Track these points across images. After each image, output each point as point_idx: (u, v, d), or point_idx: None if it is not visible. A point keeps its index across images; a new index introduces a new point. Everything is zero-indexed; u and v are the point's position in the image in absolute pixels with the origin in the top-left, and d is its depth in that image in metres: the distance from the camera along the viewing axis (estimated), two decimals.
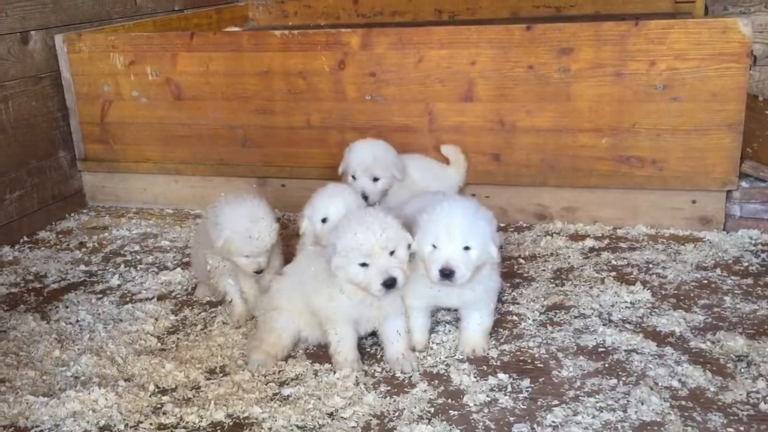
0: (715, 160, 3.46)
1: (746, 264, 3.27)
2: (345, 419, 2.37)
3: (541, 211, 3.79)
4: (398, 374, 2.61)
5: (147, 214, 4.32)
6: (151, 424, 2.40)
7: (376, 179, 3.40)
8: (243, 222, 2.84)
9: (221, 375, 2.66)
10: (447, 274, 2.47)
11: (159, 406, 2.49)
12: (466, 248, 2.49)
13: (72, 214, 4.36)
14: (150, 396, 2.54)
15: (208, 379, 2.64)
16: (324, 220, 2.91)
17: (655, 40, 3.36)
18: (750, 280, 3.13)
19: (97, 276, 3.53)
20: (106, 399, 2.50)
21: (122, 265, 3.62)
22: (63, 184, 4.34)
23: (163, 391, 2.57)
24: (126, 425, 2.39)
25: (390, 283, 2.46)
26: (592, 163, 3.63)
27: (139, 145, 4.27)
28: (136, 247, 3.85)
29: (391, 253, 2.49)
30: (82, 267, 3.63)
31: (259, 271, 2.94)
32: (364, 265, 2.47)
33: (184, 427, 2.37)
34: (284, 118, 3.97)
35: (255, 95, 3.98)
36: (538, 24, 3.50)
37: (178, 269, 3.54)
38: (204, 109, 4.09)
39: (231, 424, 2.38)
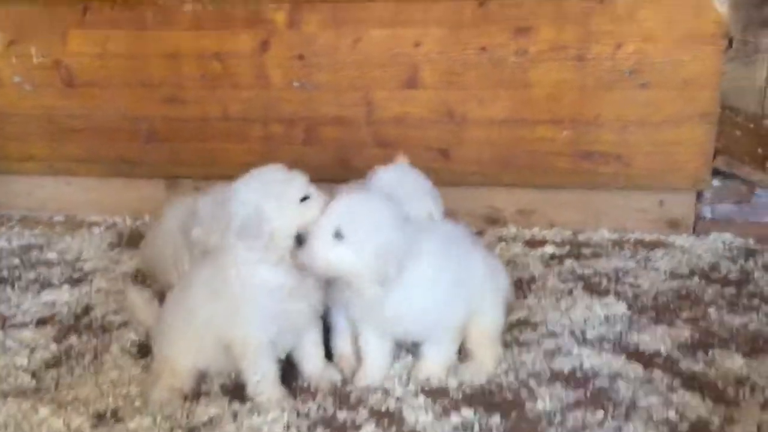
0: (686, 155, 3.16)
1: (725, 271, 2.95)
2: None
3: (494, 214, 3.41)
4: (322, 387, 2.25)
5: (32, 223, 3.73)
6: None
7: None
8: None
9: (113, 421, 2.16)
10: None
11: None
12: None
13: None
14: None
15: (95, 426, 2.13)
16: None
17: (622, 19, 3.03)
18: (732, 290, 2.80)
19: None
20: None
21: None
22: None
23: None
24: None
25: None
26: (551, 160, 3.27)
27: (22, 140, 3.72)
28: (16, 261, 3.27)
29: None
30: None
31: None
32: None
33: None
34: (197, 109, 3.50)
35: (161, 81, 3.49)
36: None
37: (66, 287, 2.99)
38: (100, 98, 3.58)
39: None
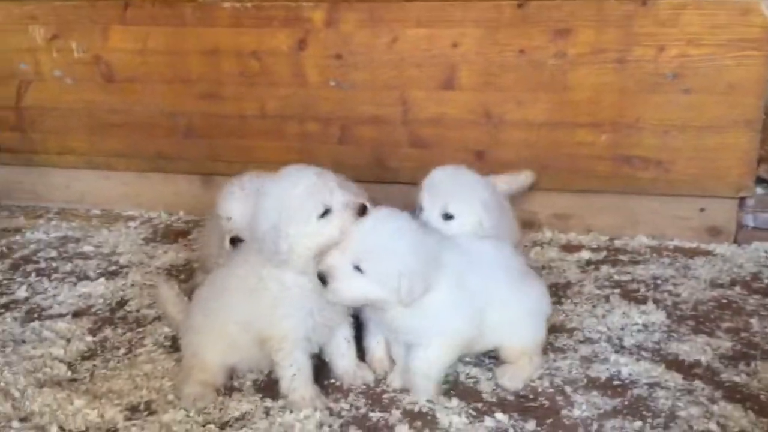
0: (729, 161, 3.06)
1: (767, 281, 2.86)
2: None
3: (530, 217, 3.34)
4: (355, 386, 2.25)
5: (70, 215, 3.77)
6: None
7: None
8: None
9: (146, 413, 2.16)
10: None
11: None
12: None
13: None
14: None
15: (129, 419, 2.14)
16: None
17: (665, 22, 2.95)
18: None
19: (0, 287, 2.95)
20: None
21: (33, 274, 3.08)
22: None
23: None
24: None
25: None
26: (590, 163, 3.20)
27: (63, 134, 3.75)
28: (53, 253, 3.31)
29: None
30: None
31: None
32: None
33: None
34: (234, 106, 3.49)
35: (200, 78, 3.48)
36: (532, 1, 3.04)
37: (102, 279, 3.01)
38: (140, 93, 3.59)
39: None
